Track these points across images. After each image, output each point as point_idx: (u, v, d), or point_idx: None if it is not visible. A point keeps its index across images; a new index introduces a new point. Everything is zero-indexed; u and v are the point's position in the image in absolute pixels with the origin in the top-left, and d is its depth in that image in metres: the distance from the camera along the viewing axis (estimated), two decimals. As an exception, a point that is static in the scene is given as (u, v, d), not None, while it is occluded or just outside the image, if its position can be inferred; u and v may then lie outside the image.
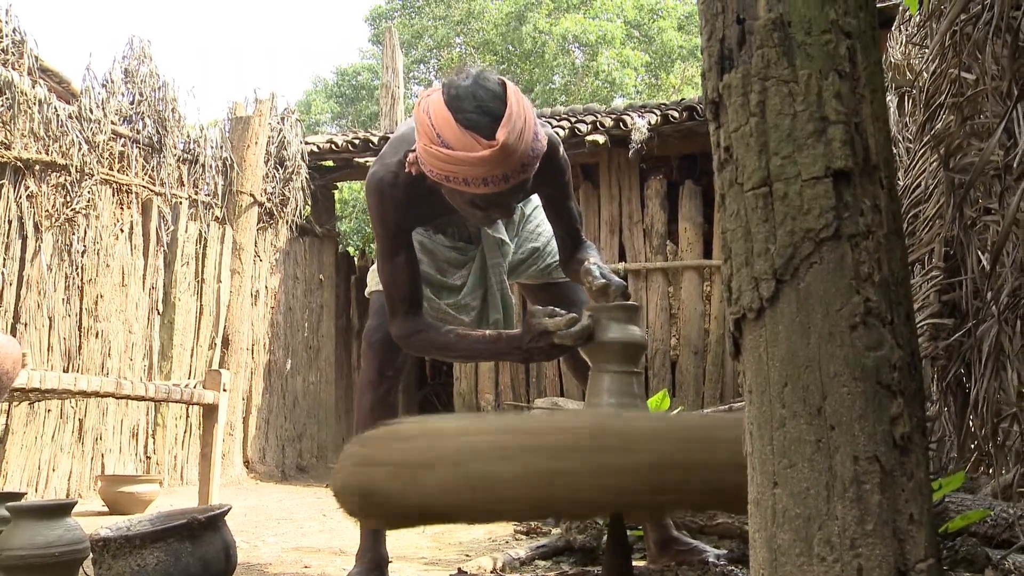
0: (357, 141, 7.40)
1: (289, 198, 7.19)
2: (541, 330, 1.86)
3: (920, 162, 2.67)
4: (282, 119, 7.19)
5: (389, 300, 2.11)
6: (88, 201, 5.29)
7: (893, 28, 3.56)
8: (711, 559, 2.27)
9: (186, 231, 6.17)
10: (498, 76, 1.91)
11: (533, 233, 2.48)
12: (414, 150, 1.97)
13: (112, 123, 5.59)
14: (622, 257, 6.96)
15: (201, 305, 6.29)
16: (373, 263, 2.45)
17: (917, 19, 2.92)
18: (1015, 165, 1.78)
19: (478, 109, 1.83)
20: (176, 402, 4.16)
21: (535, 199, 2.49)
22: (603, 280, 1.89)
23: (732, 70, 0.97)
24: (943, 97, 2.33)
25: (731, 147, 0.97)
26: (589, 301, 1.97)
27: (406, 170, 2.01)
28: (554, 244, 2.46)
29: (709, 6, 1.00)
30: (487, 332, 2.07)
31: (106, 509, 4.53)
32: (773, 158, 0.93)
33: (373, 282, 2.40)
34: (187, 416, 6.04)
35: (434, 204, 2.07)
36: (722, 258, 0.99)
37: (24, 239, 4.91)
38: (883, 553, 0.85)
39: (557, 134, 2.22)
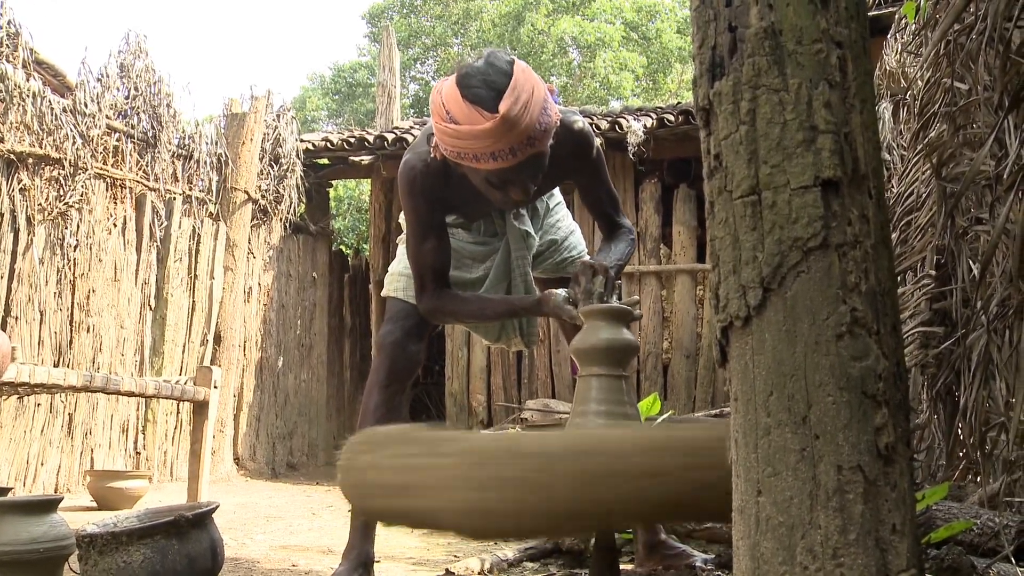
0: (352, 139, 7.39)
1: (283, 195, 7.18)
2: (550, 312, 2.08)
3: (913, 170, 2.67)
4: (278, 116, 7.18)
5: (418, 279, 2.22)
6: (81, 195, 5.27)
7: (889, 36, 3.57)
8: (698, 564, 2.27)
9: (179, 227, 6.16)
10: (509, 56, 1.95)
11: (553, 227, 2.53)
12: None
13: (107, 117, 5.58)
14: (616, 259, 6.96)
15: (193, 301, 6.28)
16: (388, 267, 2.50)
17: (912, 27, 2.93)
18: (1005, 175, 1.79)
19: (483, 83, 1.89)
20: (167, 398, 4.15)
21: (558, 195, 2.54)
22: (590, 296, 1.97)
23: (723, 78, 0.97)
24: (936, 106, 2.33)
25: (721, 154, 0.97)
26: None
27: (431, 155, 2.08)
28: (572, 240, 2.52)
29: (701, 13, 1.00)
30: (507, 296, 2.33)
31: (94, 504, 4.52)
32: (762, 166, 0.93)
33: (390, 286, 2.43)
34: (178, 412, 6.02)
35: (463, 190, 2.14)
36: (710, 265, 0.99)
37: (16, 232, 4.90)
38: (865, 563, 0.85)
39: None
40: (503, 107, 1.85)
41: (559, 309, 2.03)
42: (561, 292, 2.05)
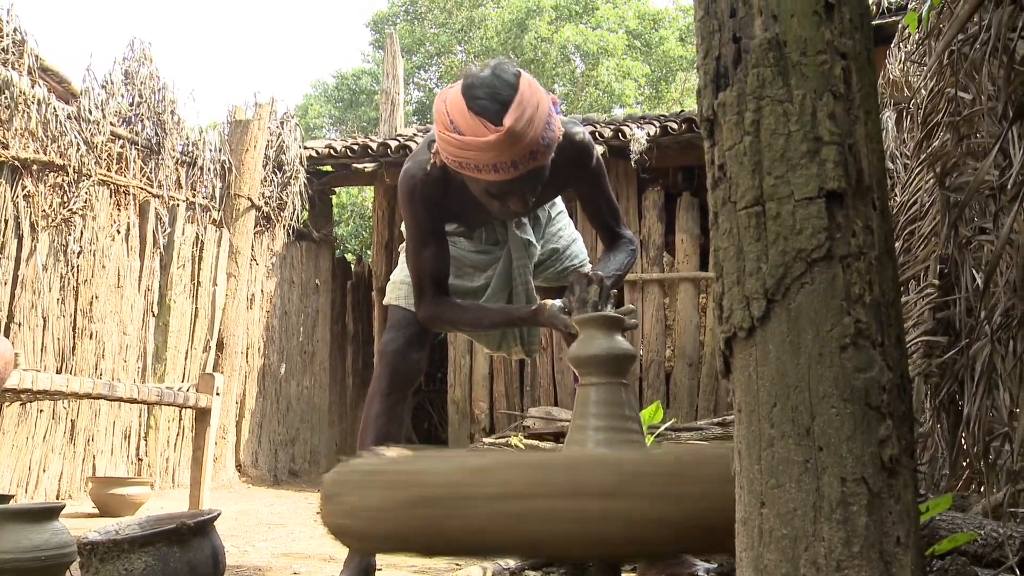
0: (356, 147, 7.40)
1: (287, 202, 7.18)
2: (545, 321, 2.07)
3: (917, 179, 2.67)
4: (281, 123, 7.20)
5: (417, 285, 2.23)
6: (85, 202, 5.29)
7: (892, 45, 3.57)
8: (701, 573, 2.26)
9: (183, 234, 6.16)
10: (516, 68, 1.95)
11: (555, 236, 2.53)
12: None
13: (111, 124, 5.59)
14: (618, 267, 6.96)
15: (196, 308, 6.28)
16: (391, 275, 2.50)
17: (916, 36, 2.93)
18: (1009, 186, 1.78)
19: (488, 95, 1.89)
20: (169, 405, 4.15)
21: (560, 203, 2.54)
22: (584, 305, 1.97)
23: (727, 88, 0.96)
24: (940, 116, 2.33)
25: (725, 165, 0.97)
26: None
27: (432, 161, 2.08)
28: (574, 249, 2.52)
29: (705, 24, 1.00)
30: (504, 306, 2.31)
31: (96, 511, 4.51)
32: (766, 177, 0.92)
33: (392, 294, 2.43)
34: (180, 419, 6.02)
35: (463, 198, 2.14)
36: (714, 276, 0.99)
37: (20, 239, 4.91)
38: (869, 575, 0.85)
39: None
40: (508, 121, 1.86)
41: (554, 318, 2.04)
42: (556, 302, 2.06)
